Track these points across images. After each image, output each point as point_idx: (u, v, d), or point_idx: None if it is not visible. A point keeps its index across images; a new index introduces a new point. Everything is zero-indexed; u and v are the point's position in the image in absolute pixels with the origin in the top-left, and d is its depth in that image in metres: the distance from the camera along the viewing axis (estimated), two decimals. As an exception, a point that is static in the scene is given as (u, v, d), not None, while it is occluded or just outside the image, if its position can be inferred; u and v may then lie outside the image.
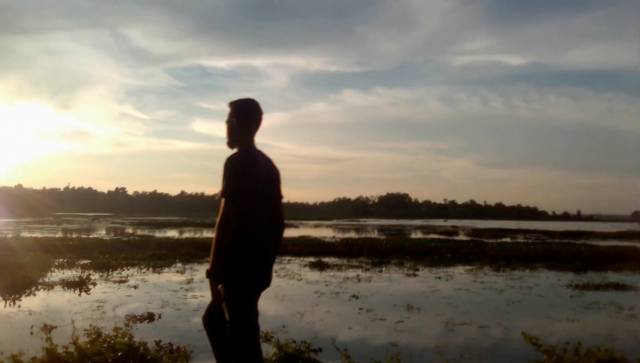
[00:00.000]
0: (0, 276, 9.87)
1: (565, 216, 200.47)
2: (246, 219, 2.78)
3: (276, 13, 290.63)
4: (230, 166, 2.83)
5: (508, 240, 29.00)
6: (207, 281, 2.79)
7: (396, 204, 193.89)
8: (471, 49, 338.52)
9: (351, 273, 12.35)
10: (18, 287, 9.09)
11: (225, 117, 3.10)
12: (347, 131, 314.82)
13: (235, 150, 3.02)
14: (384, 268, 13.38)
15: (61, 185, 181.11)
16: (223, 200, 2.73)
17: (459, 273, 12.70)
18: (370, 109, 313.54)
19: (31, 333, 6.00)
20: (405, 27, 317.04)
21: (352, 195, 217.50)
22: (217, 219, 2.72)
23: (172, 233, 31.97)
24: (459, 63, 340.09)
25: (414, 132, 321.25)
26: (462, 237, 32.01)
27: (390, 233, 38.38)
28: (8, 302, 8.00)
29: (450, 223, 79.88)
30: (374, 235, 34.92)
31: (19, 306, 7.74)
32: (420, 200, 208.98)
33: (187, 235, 30.26)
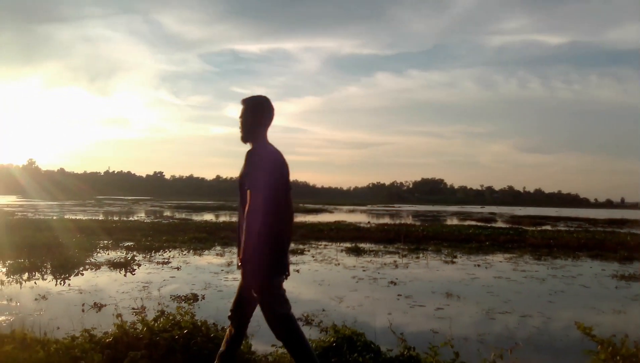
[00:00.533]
0: (50, 257, 10.30)
1: (609, 204, 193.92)
2: (270, 208, 3.00)
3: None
4: (253, 159, 3.08)
5: (549, 227, 28.35)
6: None
7: (431, 190, 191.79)
8: (508, 28, 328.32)
9: (388, 259, 12.35)
10: (67, 267, 9.47)
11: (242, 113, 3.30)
12: (381, 115, 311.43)
13: (249, 144, 3.23)
14: (421, 255, 13.30)
15: (101, 169, 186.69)
16: (249, 192, 2.95)
17: (499, 261, 12.52)
18: (403, 93, 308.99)
19: (82, 311, 6.28)
20: (439, 7, 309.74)
21: (386, 180, 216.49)
22: (246, 210, 2.92)
23: (210, 217, 32.57)
24: (495, 43, 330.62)
25: (449, 115, 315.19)
26: (500, 224, 31.45)
27: (426, 219, 38.03)
28: (59, 281, 8.35)
29: (487, 209, 78.60)
30: (409, 220, 34.68)
31: (69, 285, 8.07)
32: (455, 186, 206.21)
33: (224, 218, 30.77)
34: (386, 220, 34.20)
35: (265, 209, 2.95)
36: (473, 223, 31.94)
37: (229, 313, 3.24)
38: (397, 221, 32.04)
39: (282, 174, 3.20)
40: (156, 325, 3.85)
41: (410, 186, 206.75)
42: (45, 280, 8.45)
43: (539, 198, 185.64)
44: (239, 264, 3.00)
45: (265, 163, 3.10)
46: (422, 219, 37.72)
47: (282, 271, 3.17)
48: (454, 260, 12.42)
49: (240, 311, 3.20)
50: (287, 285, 3.09)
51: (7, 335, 3.91)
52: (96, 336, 3.80)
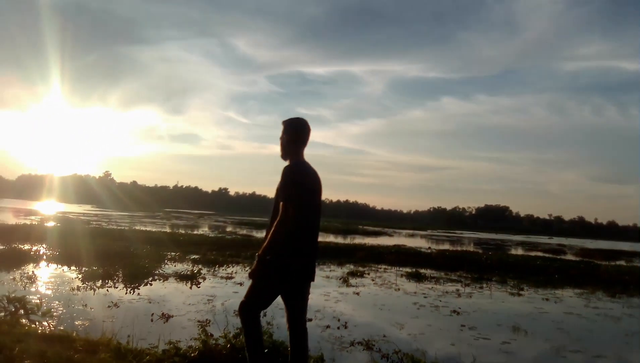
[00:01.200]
0: (122, 266, 10.83)
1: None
2: (299, 221, 3.30)
3: (375, 20, 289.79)
4: (288, 174, 3.40)
5: (623, 262, 26.63)
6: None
7: (495, 217, 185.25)
8: (583, 53, 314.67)
9: (450, 287, 12.04)
10: (138, 276, 9.91)
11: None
12: (445, 139, 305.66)
13: (287, 161, 3.56)
14: (484, 285, 12.87)
15: (170, 183, 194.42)
16: (282, 203, 3.28)
17: (569, 296, 11.90)
18: (469, 117, 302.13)
19: (151, 320, 6.55)
20: (509, 31, 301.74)
21: (448, 205, 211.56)
22: (277, 219, 3.28)
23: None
24: (569, 69, 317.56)
25: (517, 141, 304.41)
26: (570, 257, 29.87)
27: (489, 247, 36.77)
28: (129, 290, 8.75)
29: (556, 240, 74.85)
30: (471, 248, 33.66)
31: (139, 294, 8.44)
32: (521, 214, 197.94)
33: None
34: (447, 246, 33.38)
35: (294, 220, 3.25)
36: (540, 254, 30.55)
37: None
38: (459, 248, 31.18)
39: (313, 190, 3.50)
40: (237, 341, 3.96)
41: (473, 212, 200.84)
42: (117, 288, 8.87)
43: (612, 230, 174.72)
44: (257, 259, 3.41)
45: (298, 178, 3.40)
46: (484, 247, 36.51)
47: (308, 277, 3.50)
48: (521, 292, 11.92)
49: (290, 322, 3.57)
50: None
51: (99, 341, 4.12)
52: (181, 349, 3.95)
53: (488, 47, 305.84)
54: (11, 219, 27.37)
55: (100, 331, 4.90)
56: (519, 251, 33.43)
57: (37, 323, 3.18)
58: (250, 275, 3.47)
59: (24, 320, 3.14)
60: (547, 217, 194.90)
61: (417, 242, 36.72)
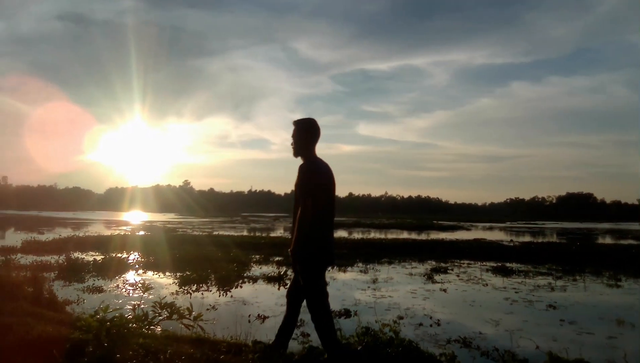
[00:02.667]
0: (213, 270, 11.31)
1: None
2: (318, 212, 3.62)
3: (435, 10, 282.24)
4: (305, 172, 3.74)
5: None
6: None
7: (578, 205, 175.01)
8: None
9: (541, 280, 11.56)
10: (229, 280, 10.33)
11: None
12: (518, 126, 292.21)
13: (300, 159, 3.87)
14: (577, 277, 12.25)
15: (245, 188, 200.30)
16: (302, 199, 3.65)
17: (675, 286, 11.07)
18: (542, 101, 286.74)
19: (249, 322, 6.80)
20: (580, 8, 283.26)
21: (526, 195, 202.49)
22: (299, 215, 3.65)
23: (345, 234, 33.24)
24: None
25: (596, 124, 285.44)
26: (668, 244, 27.73)
27: (575, 237, 34.85)
28: (222, 293, 9.12)
29: (650, 227, 69.67)
30: (555, 239, 32.08)
31: (232, 296, 8.78)
32: (607, 200, 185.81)
33: (361, 235, 31.15)
34: (530, 238, 32.03)
35: (314, 212, 3.59)
36: (634, 242, 28.60)
37: (286, 294, 4.03)
38: (543, 240, 29.82)
39: (328, 184, 3.81)
40: (366, 340, 4.06)
41: (554, 201, 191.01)
42: (211, 291, 9.28)
43: None
44: (290, 255, 3.85)
45: (314, 173, 3.72)
46: (570, 237, 34.66)
47: (329, 263, 3.84)
48: (619, 283, 11.24)
49: (294, 296, 3.98)
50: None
51: (242, 343, 4.35)
52: (316, 348, 4.15)
53: (558, 26, 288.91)
54: (105, 231, 29.34)
55: (218, 333, 5.17)
56: (609, 240, 31.44)
57: (189, 327, 3.40)
58: (294, 270, 3.90)
59: (181, 325, 3.38)
60: (637, 202, 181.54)
61: (497, 235, 35.51)
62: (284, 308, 7.67)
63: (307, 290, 3.78)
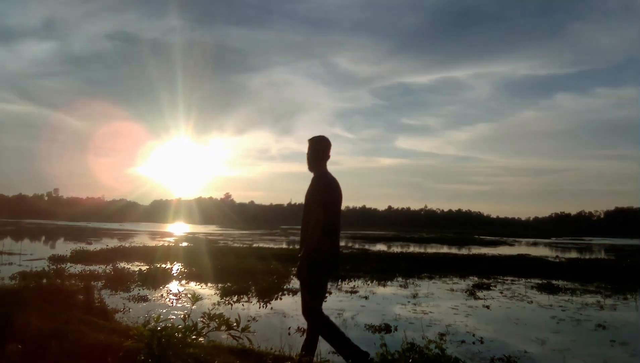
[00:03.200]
0: (253, 282, 11.46)
1: None
2: (329, 222, 3.92)
3: (475, 21, 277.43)
4: (319, 184, 4.05)
5: None
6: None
7: (627, 221, 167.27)
8: None
9: (589, 298, 11.17)
10: (269, 292, 10.43)
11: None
12: (563, 138, 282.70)
13: (313, 173, 4.22)
14: (628, 295, 11.77)
15: (284, 201, 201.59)
16: (316, 209, 3.92)
17: None
18: (589, 113, 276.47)
19: (289, 334, 6.87)
20: (629, 16, 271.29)
21: (572, 210, 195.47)
22: (313, 224, 3.91)
23: (384, 247, 32.99)
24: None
25: None
26: None
27: (625, 254, 33.42)
28: (262, 304, 9.22)
29: None
30: (603, 255, 30.86)
31: (272, 308, 8.87)
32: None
33: (400, 249, 30.85)
34: (577, 254, 30.95)
35: (326, 222, 3.87)
36: (691, 260, 27.18)
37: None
38: (591, 256, 28.76)
39: (337, 196, 4.15)
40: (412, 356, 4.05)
41: (602, 216, 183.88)
42: (251, 302, 9.40)
43: None
44: (300, 261, 4.02)
45: (327, 186, 4.05)
46: (620, 254, 33.26)
47: (335, 269, 4.21)
48: (674, 303, 10.73)
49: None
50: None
51: (287, 356, 4.43)
52: None
53: (605, 36, 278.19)
54: (150, 242, 30.15)
55: (259, 344, 5.25)
56: (664, 258, 29.99)
57: (237, 338, 3.49)
58: (298, 276, 4.08)
59: (224, 335, 3.49)
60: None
61: (542, 251, 34.47)
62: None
63: (312, 296, 4.05)
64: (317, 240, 3.92)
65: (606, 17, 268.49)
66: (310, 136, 4.34)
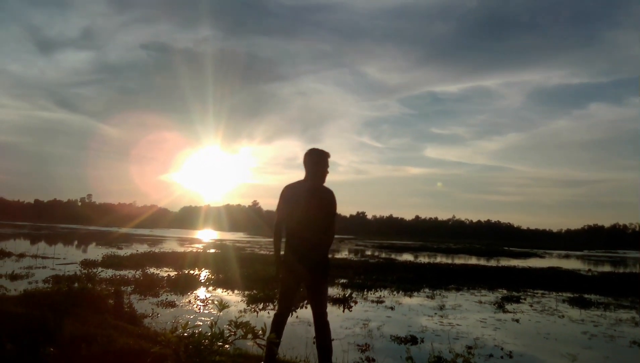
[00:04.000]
0: (273, 289, 11.48)
1: None
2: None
3: (507, 29, 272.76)
4: (333, 197, 4.16)
5: None
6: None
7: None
8: None
9: (623, 314, 10.84)
10: (296, 300, 10.44)
11: None
12: (596, 149, 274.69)
13: (317, 184, 4.22)
14: (665, 312, 11.38)
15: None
16: (334, 220, 4.10)
17: None
18: (624, 123, 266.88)
19: (313, 343, 6.85)
20: None
21: (606, 222, 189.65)
22: (330, 234, 4.07)
23: (411, 257, 32.67)
24: None
25: None
26: None
27: (663, 269, 32.32)
28: (288, 313, 9.24)
29: None
30: (638, 269, 29.91)
31: (297, 317, 8.87)
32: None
33: (427, 259, 30.50)
34: (610, 268, 30.08)
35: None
36: None
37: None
38: (625, 270, 27.92)
39: None
40: None
41: (637, 229, 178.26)
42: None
43: None
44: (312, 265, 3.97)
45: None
46: (657, 268, 32.18)
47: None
48: None
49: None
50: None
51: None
52: None
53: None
54: (179, 248, 30.58)
55: (285, 353, 5.28)
56: None
57: (263, 347, 3.53)
58: (322, 278, 4.07)
59: (250, 343, 3.53)
60: None
61: (574, 264, 33.60)
62: (349, 330, 7.72)
63: (326, 297, 4.08)
64: (329, 248, 4.16)
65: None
66: (322, 149, 4.36)
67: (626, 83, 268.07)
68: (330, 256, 4.28)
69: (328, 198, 4.15)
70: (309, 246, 4.09)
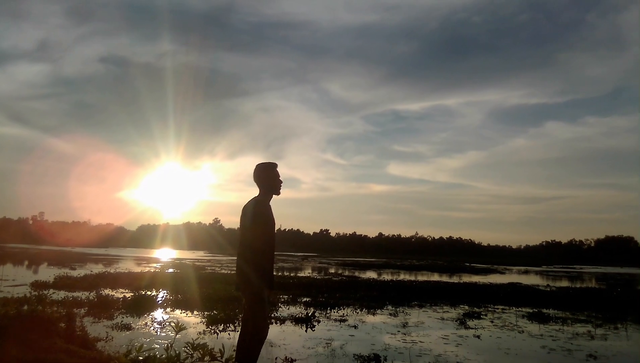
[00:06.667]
0: (241, 310, 11.23)
1: None
2: None
3: (468, 50, 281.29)
4: (253, 206, 4.21)
5: None
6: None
7: (618, 249, 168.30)
8: None
9: (580, 328, 11.09)
10: (256, 320, 10.22)
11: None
12: (553, 167, 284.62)
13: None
14: (619, 325, 11.71)
15: (276, 227, 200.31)
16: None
17: None
18: (579, 142, 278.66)
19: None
20: (617, 47, 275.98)
21: (563, 238, 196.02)
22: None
23: (375, 275, 32.74)
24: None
25: (636, 164, 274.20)
26: None
27: (615, 282, 33.48)
28: (250, 333, 9.02)
29: (695, 273, 66.39)
30: (594, 284, 30.89)
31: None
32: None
33: (389, 276, 30.64)
34: (568, 283, 30.94)
35: None
36: (679, 289, 27.23)
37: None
38: (581, 285, 28.77)
39: None
40: None
41: (592, 244, 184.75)
42: (238, 331, 9.18)
43: None
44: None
45: None
46: (610, 283, 33.32)
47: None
48: (665, 333, 10.67)
49: None
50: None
51: None
52: None
53: (594, 66, 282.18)
54: (136, 268, 29.70)
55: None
56: (653, 287, 30.04)
57: None
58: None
59: None
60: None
61: (533, 279, 34.40)
62: (312, 350, 7.59)
63: (251, 320, 4.11)
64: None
65: (595, 48, 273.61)
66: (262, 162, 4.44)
67: (581, 103, 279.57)
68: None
69: (246, 211, 4.13)
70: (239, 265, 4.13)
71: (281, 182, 4.31)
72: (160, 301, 12.80)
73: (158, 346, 7.15)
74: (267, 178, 4.27)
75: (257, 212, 4.04)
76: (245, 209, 4.22)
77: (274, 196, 4.33)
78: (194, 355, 3.03)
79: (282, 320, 10.45)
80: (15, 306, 7.30)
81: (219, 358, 3.07)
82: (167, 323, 9.61)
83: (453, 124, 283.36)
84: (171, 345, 3.05)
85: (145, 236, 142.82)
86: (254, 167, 4.34)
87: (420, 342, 8.72)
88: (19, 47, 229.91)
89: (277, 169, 4.34)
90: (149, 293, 13.90)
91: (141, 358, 3.04)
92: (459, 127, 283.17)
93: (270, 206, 4.28)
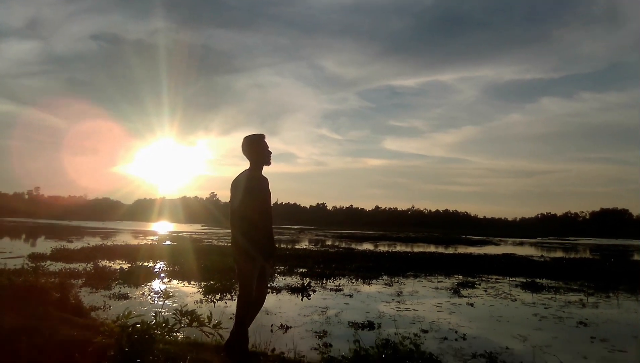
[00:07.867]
0: (230, 279, 11.32)
1: None
2: None
3: (463, 26, 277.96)
4: (244, 179, 4.15)
5: None
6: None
7: (612, 222, 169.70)
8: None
9: (572, 297, 11.23)
10: (252, 290, 10.31)
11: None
12: (549, 141, 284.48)
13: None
14: (610, 294, 11.87)
15: (272, 201, 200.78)
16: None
17: None
18: (574, 117, 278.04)
19: (271, 331, 6.78)
20: (612, 23, 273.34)
21: (558, 211, 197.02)
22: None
23: (371, 246, 32.99)
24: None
25: (630, 139, 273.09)
26: None
27: (609, 254, 33.83)
28: (246, 302, 9.11)
29: (688, 244, 67.13)
30: (588, 255, 31.21)
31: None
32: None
33: (385, 248, 30.85)
34: (562, 254, 31.25)
35: None
36: (672, 259, 27.57)
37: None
38: (575, 256, 29.05)
39: None
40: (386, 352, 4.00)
41: (587, 217, 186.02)
42: (234, 300, 9.27)
43: None
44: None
45: None
46: (604, 254, 33.67)
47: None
48: (655, 301, 10.83)
49: None
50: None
51: (261, 351, 4.36)
52: (335, 358, 4.09)
53: (590, 42, 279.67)
54: (133, 240, 29.82)
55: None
56: (645, 257, 30.39)
57: (209, 335, 3.40)
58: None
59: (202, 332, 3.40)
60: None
61: (528, 251, 34.74)
62: (307, 318, 7.67)
63: (240, 281, 4.05)
64: None
65: (590, 24, 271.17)
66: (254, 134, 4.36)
67: (576, 79, 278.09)
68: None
69: (237, 184, 4.13)
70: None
71: (270, 153, 4.24)
72: (157, 273, 12.89)
73: (150, 314, 7.23)
74: (256, 150, 4.20)
75: (250, 186, 4.01)
76: (237, 182, 4.17)
77: (264, 167, 4.28)
78: (182, 321, 3.05)
79: (278, 290, 10.55)
80: (9, 277, 7.34)
81: (207, 325, 3.08)
82: (164, 293, 9.68)
83: (448, 99, 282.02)
84: (160, 312, 3.07)
85: (142, 210, 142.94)
86: (242, 140, 4.28)
87: (414, 309, 8.82)
88: (9, 24, 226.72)
89: (265, 140, 4.27)
90: (146, 264, 13.98)
91: (130, 323, 3.04)
92: (454, 103, 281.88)
93: (265, 178, 4.22)
